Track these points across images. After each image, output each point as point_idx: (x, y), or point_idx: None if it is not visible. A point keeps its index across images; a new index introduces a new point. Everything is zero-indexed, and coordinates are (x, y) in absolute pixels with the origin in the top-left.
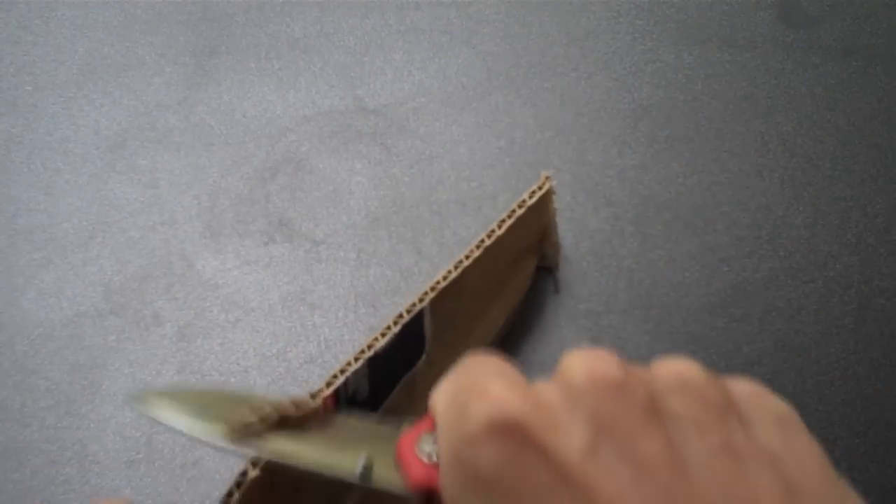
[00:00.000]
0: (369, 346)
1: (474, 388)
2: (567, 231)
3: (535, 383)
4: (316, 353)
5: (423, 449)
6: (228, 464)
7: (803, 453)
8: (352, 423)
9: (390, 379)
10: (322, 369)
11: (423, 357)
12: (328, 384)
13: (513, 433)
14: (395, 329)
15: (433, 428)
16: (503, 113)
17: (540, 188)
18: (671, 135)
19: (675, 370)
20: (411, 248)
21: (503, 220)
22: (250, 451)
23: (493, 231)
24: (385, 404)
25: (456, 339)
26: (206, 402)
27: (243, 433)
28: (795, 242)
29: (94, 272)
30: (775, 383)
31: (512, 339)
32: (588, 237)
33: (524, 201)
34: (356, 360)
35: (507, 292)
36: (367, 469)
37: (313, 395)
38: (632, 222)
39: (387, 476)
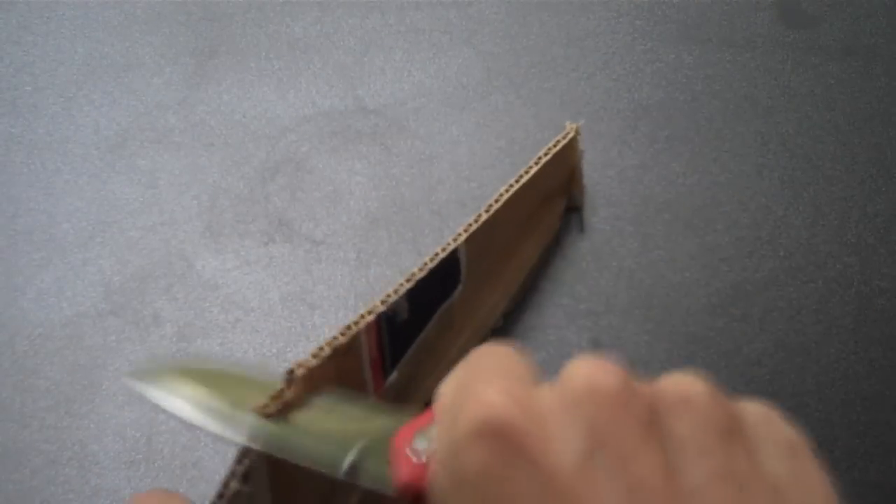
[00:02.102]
0: (407, 280)
1: (472, 387)
2: (566, 231)
3: (537, 386)
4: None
5: (417, 447)
6: (228, 464)
7: (810, 484)
8: (353, 409)
9: (429, 306)
10: None
11: (460, 287)
12: (369, 312)
13: (503, 438)
14: (431, 264)
15: (431, 423)
16: (503, 113)
17: (564, 137)
18: (671, 135)
19: (680, 387)
20: (411, 248)
21: (530, 167)
22: (242, 440)
23: (521, 175)
24: (423, 332)
25: (490, 272)
26: (204, 383)
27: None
28: (795, 242)
29: (93, 272)
30: (775, 383)
31: (513, 340)
32: (588, 237)
33: (549, 149)
34: (395, 292)
35: (539, 230)
36: (355, 467)
37: (356, 323)
38: (632, 222)
39: (377, 472)
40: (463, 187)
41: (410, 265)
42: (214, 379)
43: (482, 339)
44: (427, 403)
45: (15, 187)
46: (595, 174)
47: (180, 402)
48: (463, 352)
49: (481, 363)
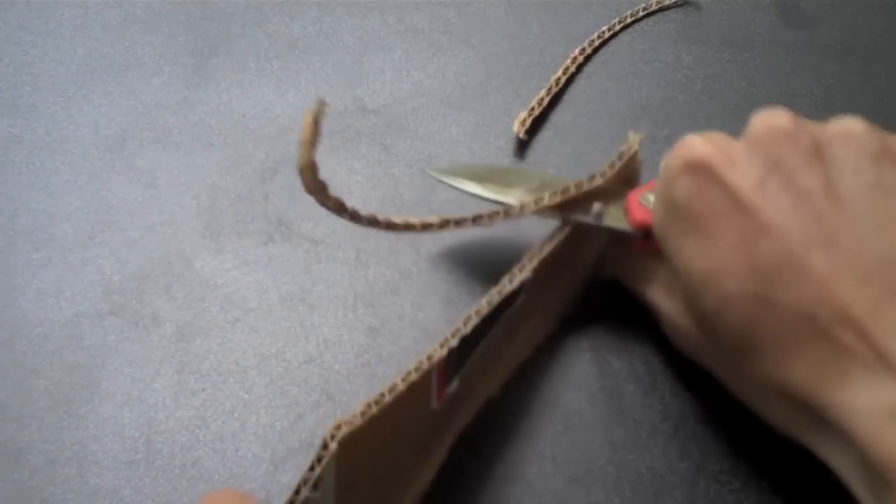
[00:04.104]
0: (476, 313)
1: (680, 143)
2: None
3: (731, 139)
4: (315, 353)
5: (646, 199)
6: (227, 464)
7: None
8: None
9: (492, 317)
10: (321, 369)
11: (522, 296)
12: (441, 345)
13: (700, 170)
14: (506, 290)
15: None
16: (503, 113)
17: (628, 150)
18: (671, 135)
19: (842, 124)
20: (411, 248)
21: (595, 177)
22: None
23: (583, 184)
24: (485, 340)
25: (549, 277)
26: (491, 175)
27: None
28: None
29: (93, 272)
30: None
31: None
32: None
33: (614, 163)
34: (465, 324)
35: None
36: (600, 215)
37: (429, 358)
38: None
39: (618, 218)
40: None
41: (410, 265)
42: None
43: (535, 346)
44: (480, 410)
45: (14, 187)
46: None
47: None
48: (517, 356)
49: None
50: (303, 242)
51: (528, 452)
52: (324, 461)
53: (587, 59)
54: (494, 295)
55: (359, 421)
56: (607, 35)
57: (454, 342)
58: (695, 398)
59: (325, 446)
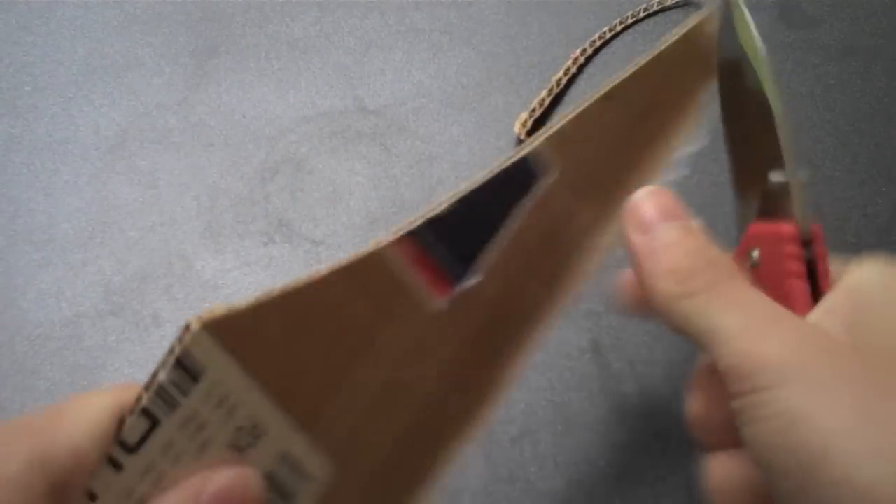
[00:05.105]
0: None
1: None
2: None
3: None
4: None
5: (752, 256)
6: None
7: None
8: None
9: (499, 203)
10: None
11: (542, 182)
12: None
13: None
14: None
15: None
16: (503, 113)
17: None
18: None
19: None
20: None
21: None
22: None
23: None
24: (507, 232)
25: (596, 181)
26: None
27: None
28: None
29: (93, 273)
30: None
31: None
32: None
33: (677, 32)
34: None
35: (667, 130)
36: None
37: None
38: None
39: None
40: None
41: None
42: None
43: (597, 260)
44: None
45: (15, 187)
46: None
47: None
48: (575, 270)
49: None
50: (303, 243)
51: (528, 453)
52: (181, 342)
53: (588, 59)
54: (486, 173)
55: (242, 306)
56: (608, 35)
57: (416, 224)
58: None
59: (186, 328)
